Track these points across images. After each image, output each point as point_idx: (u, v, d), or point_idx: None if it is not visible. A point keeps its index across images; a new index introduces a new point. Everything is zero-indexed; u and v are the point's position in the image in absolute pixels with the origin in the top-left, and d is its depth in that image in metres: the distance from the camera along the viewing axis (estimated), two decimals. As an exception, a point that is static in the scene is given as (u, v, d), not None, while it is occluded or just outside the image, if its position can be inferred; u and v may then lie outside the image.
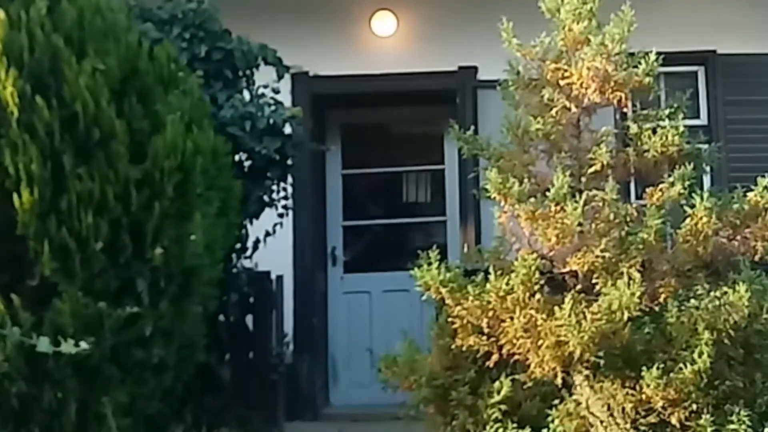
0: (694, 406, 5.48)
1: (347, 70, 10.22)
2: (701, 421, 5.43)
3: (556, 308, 5.58)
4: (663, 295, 5.73)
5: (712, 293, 5.62)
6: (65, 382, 5.59)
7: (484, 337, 5.85)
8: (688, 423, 5.51)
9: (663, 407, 5.50)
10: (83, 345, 4.61)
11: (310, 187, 10.41)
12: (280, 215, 8.24)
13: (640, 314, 5.59)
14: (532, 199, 5.83)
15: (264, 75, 8.18)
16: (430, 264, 5.87)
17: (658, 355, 5.56)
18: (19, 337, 4.93)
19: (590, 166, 6.00)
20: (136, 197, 5.76)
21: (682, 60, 9.58)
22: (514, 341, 5.71)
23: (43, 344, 4.65)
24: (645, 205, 5.95)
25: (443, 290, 5.85)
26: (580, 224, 5.68)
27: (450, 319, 5.92)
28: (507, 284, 5.72)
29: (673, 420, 5.52)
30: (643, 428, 5.53)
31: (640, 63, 6.07)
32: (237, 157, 7.51)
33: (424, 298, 6.03)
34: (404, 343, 6.25)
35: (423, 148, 11.90)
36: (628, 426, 5.51)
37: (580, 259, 5.72)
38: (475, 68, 10.22)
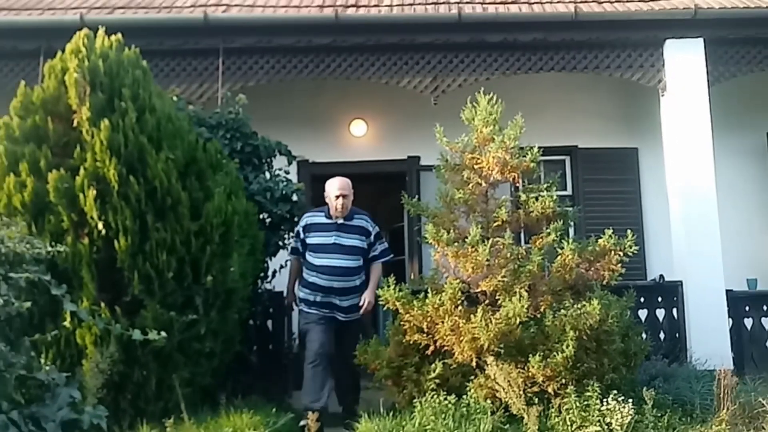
0: (563, 381, 5.51)
1: (334, 158, 10.17)
2: (568, 390, 5.47)
3: (472, 315, 5.62)
4: (543, 307, 5.78)
5: (575, 306, 5.68)
6: (148, 365, 5.59)
7: (425, 335, 5.88)
8: (559, 391, 5.54)
9: (543, 381, 5.53)
10: (163, 334, 4.96)
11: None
12: (290, 254, 8.18)
13: (528, 319, 5.64)
14: (456, 244, 5.88)
15: (279, 161, 8.15)
16: (389, 286, 5.93)
17: (540, 347, 5.60)
18: (120, 330, 5.08)
19: (494, 221, 6.05)
20: (194, 243, 5.79)
21: (555, 152, 9.61)
22: (445, 337, 5.74)
23: (137, 335, 4.95)
24: (531, 248, 6.01)
25: (398, 303, 5.89)
26: (487, 260, 5.74)
27: (402, 323, 5.95)
28: (439, 300, 5.76)
29: (550, 389, 5.55)
30: (529, 394, 5.56)
31: (527, 154, 6.15)
32: (261, 216, 7.45)
33: (385, 309, 6.07)
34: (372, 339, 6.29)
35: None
36: (520, 393, 5.52)
37: (488, 283, 5.77)
38: (419, 157, 10.18)
